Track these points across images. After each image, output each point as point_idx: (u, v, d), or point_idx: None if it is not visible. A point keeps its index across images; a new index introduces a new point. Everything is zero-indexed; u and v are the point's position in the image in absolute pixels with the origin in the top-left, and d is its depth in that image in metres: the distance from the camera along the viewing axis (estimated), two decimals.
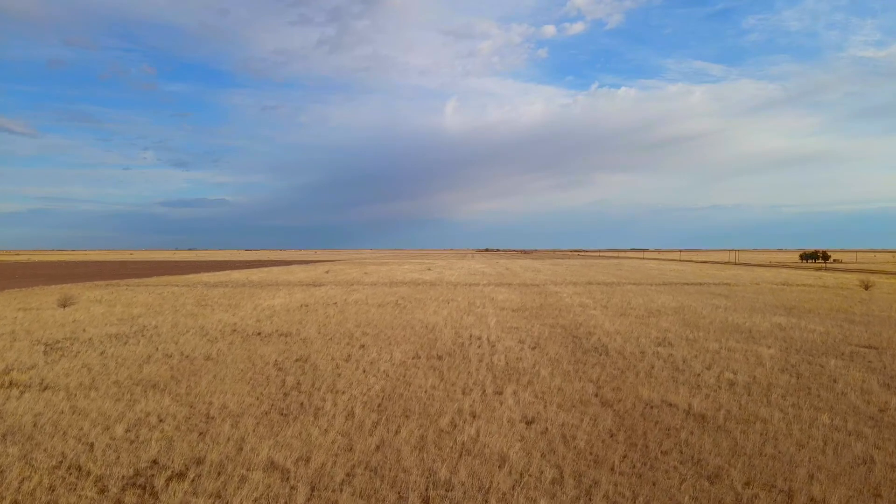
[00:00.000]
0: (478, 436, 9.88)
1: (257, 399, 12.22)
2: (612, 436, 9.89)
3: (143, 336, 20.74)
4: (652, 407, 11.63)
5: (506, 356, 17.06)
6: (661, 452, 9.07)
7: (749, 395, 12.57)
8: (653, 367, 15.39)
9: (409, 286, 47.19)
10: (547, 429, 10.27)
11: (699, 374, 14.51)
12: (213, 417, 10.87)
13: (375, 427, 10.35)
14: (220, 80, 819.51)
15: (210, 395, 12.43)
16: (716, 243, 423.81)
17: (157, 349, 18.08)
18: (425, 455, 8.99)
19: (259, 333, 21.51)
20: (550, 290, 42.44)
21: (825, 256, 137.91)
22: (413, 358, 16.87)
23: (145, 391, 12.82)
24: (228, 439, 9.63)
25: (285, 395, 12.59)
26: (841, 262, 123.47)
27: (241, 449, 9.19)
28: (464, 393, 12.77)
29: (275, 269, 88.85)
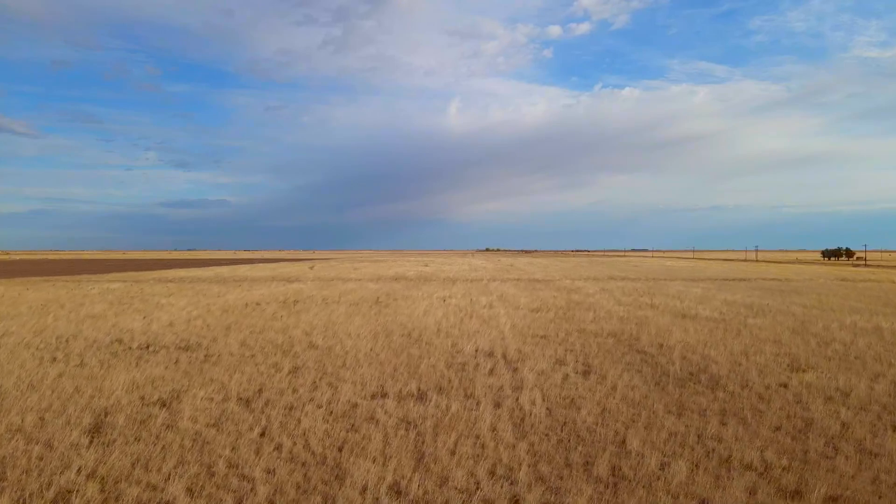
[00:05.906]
0: None
1: None
2: None
3: None
4: None
5: (542, 392, 9.40)
6: None
7: None
8: (847, 427, 7.70)
9: (398, 281, 39.43)
10: None
11: None
12: None
13: None
14: (223, 81, 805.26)
15: None
16: (716, 244, 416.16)
17: None
18: None
19: (147, 347, 13.84)
20: (569, 286, 34.71)
21: (849, 254, 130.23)
22: (374, 397, 9.20)
23: None
24: None
25: None
26: (866, 260, 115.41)
27: None
28: None
29: (259, 265, 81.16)
